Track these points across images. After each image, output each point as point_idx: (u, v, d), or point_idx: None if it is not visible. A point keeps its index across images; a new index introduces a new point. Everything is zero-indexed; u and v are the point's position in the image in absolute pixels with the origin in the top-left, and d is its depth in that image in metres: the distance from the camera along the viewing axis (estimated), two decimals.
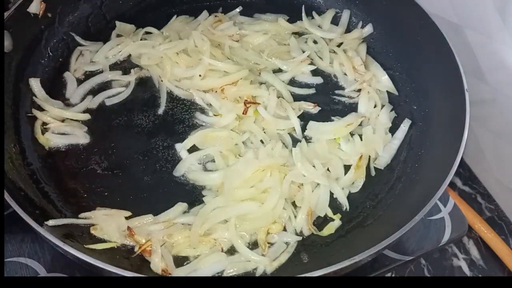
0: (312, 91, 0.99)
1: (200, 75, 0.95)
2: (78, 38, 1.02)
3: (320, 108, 0.96)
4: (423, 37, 0.96)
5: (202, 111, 0.94)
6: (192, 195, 0.83)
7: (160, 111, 0.94)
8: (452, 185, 1.13)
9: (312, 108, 0.95)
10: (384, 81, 1.00)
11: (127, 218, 0.78)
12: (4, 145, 0.81)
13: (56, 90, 0.95)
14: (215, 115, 0.93)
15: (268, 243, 0.78)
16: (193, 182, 0.84)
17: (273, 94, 0.93)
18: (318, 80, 1.01)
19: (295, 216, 0.80)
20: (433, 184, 0.74)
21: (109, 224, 0.76)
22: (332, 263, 0.64)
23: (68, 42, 1.02)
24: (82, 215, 0.78)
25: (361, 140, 0.90)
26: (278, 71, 1.01)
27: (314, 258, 0.76)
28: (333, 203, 0.84)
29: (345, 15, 1.10)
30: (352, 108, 0.97)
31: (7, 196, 0.69)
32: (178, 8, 1.12)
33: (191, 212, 0.80)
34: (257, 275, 0.74)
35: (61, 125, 0.90)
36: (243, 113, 0.90)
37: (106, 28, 1.06)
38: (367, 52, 1.05)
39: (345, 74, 1.01)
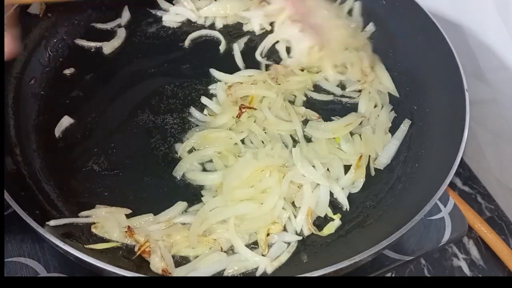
0: (330, 97, 0.98)
1: None
2: (78, 39, 1.02)
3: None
4: (423, 37, 0.96)
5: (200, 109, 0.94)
6: (192, 195, 0.83)
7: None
8: (452, 185, 1.13)
9: (316, 118, 0.94)
10: (386, 83, 1.00)
11: (127, 217, 0.78)
12: (4, 145, 0.81)
13: (56, 90, 0.96)
14: (210, 115, 0.93)
15: (268, 243, 0.78)
16: (192, 182, 0.84)
17: (280, 97, 0.92)
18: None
19: (295, 216, 0.80)
20: (433, 184, 0.74)
21: (110, 222, 0.76)
22: (332, 263, 0.64)
23: (68, 42, 1.02)
24: (83, 213, 0.78)
25: (361, 140, 0.90)
26: None
27: (314, 258, 0.76)
28: (333, 203, 0.83)
29: (357, 7, 1.09)
30: (352, 108, 0.96)
31: (7, 196, 0.69)
32: None
33: (190, 212, 0.80)
34: (257, 274, 0.74)
35: None
36: (237, 117, 0.90)
37: (106, 28, 1.06)
38: None
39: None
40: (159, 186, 0.84)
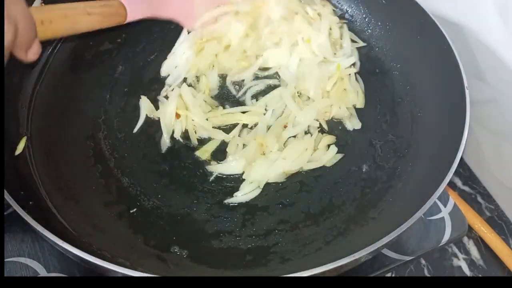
0: None
1: None
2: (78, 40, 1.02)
3: None
4: (423, 37, 0.96)
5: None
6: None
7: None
8: (452, 185, 1.13)
9: None
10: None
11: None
12: (4, 145, 0.81)
13: (56, 90, 0.95)
14: None
15: None
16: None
17: None
18: None
19: None
20: (433, 183, 0.74)
21: None
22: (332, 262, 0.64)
23: (68, 42, 1.02)
24: None
25: None
26: None
27: (314, 257, 0.76)
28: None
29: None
30: None
31: (7, 196, 0.69)
32: None
33: None
34: None
35: None
36: None
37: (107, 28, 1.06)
38: (369, 52, 1.06)
39: None
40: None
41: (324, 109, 0.93)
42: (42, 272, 0.81)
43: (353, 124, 0.93)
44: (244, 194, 0.82)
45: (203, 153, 0.87)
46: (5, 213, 0.80)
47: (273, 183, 0.84)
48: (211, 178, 0.85)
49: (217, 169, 0.85)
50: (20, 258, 0.82)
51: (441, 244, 0.89)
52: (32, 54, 0.75)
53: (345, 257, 0.64)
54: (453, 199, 0.95)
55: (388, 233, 0.67)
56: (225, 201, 0.82)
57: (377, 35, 1.07)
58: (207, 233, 0.78)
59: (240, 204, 0.82)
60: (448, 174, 0.73)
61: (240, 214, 0.81)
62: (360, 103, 0.97)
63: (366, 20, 1.09)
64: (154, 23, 1.05)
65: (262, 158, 0.85)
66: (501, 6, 0.91)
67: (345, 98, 0.96)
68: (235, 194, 0.82)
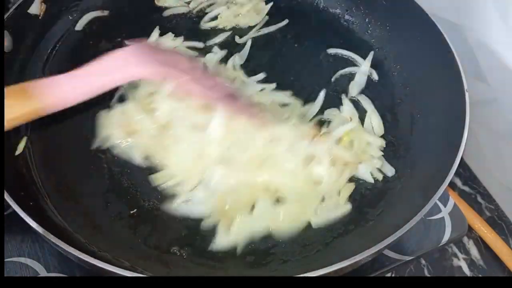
0: None
1: None
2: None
3: None
4: (423, 37, 0.96)
5: None
6: None
7: None
8: (452, 185, 1.13)
9: None
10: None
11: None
12: (4, 145, 0.81)
13: None
14: None
15: None
16: None
17: None
18: None
19: None
20: (433, 184, 0.74)
21: None
22: (332, 263, 0.64)
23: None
24: None
25: None
26: None
27: (314, 258, 0.76)
28: None
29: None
30: None
31: (7, 196, 0.69)
32: None
33: None
34: None
35: None
36: None
37: (107, 28, 1.06)
38: (369, 52, 1.05)
39: None
40: None
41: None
42: (42, 272, 0.81)
43: (385, 171, 0.86)
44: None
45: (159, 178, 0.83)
46: (5, 213, 0.81)
47: None
48: None
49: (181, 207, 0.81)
50: (20, 258, 0.82)
51: (441, 244, 0.89)
52: None
53: (346, 259, 0.64)
54: (453, 199, 0.95)
55: (388, 235, 0.67)
56: None
57: (377, 36, 1.07)
58: (207, 234, 0.78)
59: None
60: (448, 176, 0.73)
61: None
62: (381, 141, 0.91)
63: (366, 20, 1.09)
64: (153, 23, 1.06)
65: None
66: (501, 6, 0.91)
67: (368, 150, 0.88)
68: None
